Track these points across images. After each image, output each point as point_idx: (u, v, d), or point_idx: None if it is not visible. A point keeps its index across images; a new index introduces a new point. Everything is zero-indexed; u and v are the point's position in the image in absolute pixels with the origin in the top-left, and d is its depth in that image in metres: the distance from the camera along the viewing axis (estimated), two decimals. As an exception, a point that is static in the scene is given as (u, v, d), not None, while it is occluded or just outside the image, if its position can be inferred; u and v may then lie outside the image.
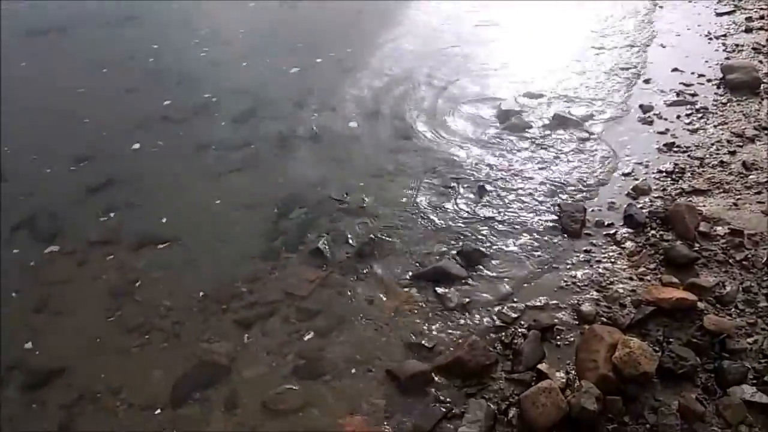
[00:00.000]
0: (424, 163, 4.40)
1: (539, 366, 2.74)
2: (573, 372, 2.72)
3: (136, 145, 5.03)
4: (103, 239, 3.97)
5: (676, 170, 3.96)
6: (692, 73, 5.12)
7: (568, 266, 3.34)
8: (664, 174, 3.95)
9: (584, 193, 3.88)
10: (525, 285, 3.25)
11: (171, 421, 2.77)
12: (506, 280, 3.30)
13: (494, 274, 3.35)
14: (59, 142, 5.21)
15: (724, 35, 5.73)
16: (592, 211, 3.72)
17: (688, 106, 4.67)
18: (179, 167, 4.70)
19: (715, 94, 4.79)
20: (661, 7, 6.55)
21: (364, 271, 3.49)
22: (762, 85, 4.73)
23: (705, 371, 2.63)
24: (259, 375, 2.93)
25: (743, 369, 2.58)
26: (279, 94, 5.64)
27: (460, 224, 3.76)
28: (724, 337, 2.71)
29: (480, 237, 3.62)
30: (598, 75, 5.32)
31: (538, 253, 3.46)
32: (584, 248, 3.45)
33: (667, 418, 2.43)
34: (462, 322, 3.09)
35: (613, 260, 3.34)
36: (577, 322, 2.99)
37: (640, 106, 4.75)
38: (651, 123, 4.54)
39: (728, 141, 4.16)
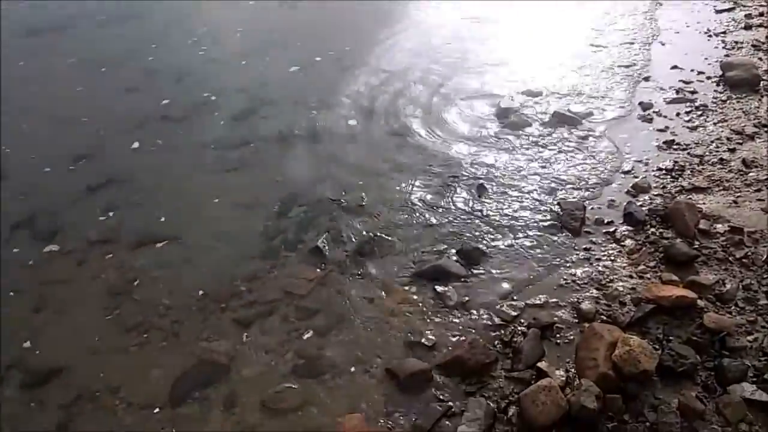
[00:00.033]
0: (423, 162, 4.40)
1: (539, 364, 2.74)
2: (573, 370, 2.71)
3: (136, 144, 5.03)
4: (102, 238, 3.97)
5: (676, 168, 3.95)
6: (692, 71, 5.12)
7: (567, 264, 3.34)
8: (663, 171, 3.95)
9: (584, 191, 3.87)
10: (525, 283, 3.25)
11: (170, 420, 2.76)
12: (506, 278, 3.30)
13: (494, 273, 3.34)
14: (58, 141, 5.21)
15: (724, 32, 5.73)
16: (592, 208, 3.71)
17: (688, 104, 4.67)
18: (178, 166, 4.70)
19: (715, 91, 4.79)
20: (660, 4, 6.54)
21: (364, 270, 3.49)
22: (761, 82, 4.73)
23: (705, 369, 2.62)
24: (258, 374, 2.93)
25: (743, 367, 2.57)
26: (278, 92, 5.64)
27: (459, 222, 3.75)
28: (724, 335, 2.70)
29: (479, 235, 3.62)
30: (598, 73, 5.32)
31: (538, 251, 3.46)
32: (584, 246, 3.44)
33: (666, 416, 2.42)
34: (461, 320, 3.08)
35: (612, 258, 3.34)
36: (576, 320, 2.99)
37: (640, 104, 4.75)
38: (651, 120, 4.54)
39: (728, 138, 4.15)
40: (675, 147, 4.18)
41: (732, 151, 4.02)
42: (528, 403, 2.50)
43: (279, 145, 4.82)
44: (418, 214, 3.87)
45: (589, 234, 3.54)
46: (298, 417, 2.70)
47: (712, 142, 4.16)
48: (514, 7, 6.96)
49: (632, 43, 5.77)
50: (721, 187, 3.71)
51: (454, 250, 3.52)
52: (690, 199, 3.63)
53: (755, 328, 2.78)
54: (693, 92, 4.81)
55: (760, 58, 5.12)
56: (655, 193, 3.77)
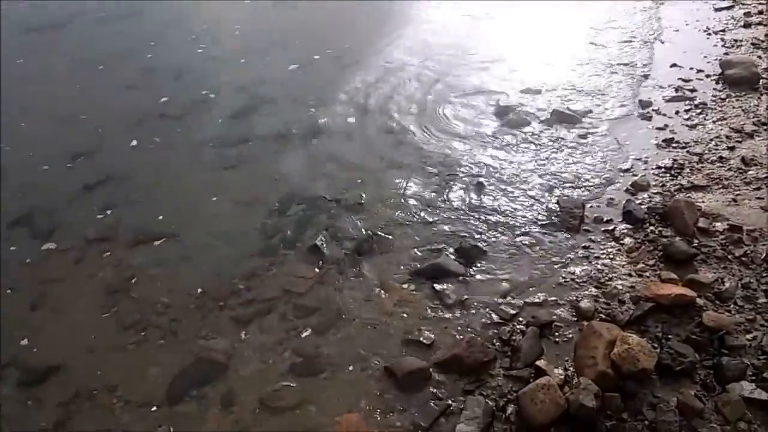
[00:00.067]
0: (422, 160, 4.39)
1: (537, 363, 2.73)
2: (571, 369, 2.71)
3: (134, 142, 5.01)
4: (100, 236, 3.96)
5: (675, 166, 3.95)
6: (691, 69, 5.12)
7: (566, 262, 3.33)
8: (663, 170, 3.95)
9: (583, 190, 3.87)
10: (523, 281, 3.24)
11: (167, 418, 2.75)
12: (504, 276, 3.29)
13: (492, 271, 3.34)
14: (56, 139, 5.19)
15: (723, 30, 5.73)
16: (591, 207, 3.71)
17: (687, 102, 4.66)
18: (176, 164, 4.69)
19: (714, 89, 4.78)
20: (661, 3, 6.53)
21: (362, 268, 3.48)
22: (761, 80, 4.73)
23: (704, 368, 2.61)
24: (257, 372, 2.92)
25: (742, 365, 2.57)
26: (277, 90, 5.63)
27: (458, 221, 3.74)
28: (723, 334, 2.70)
29: (478, 233, 3.61)
30: (597, 71, 5.31)
31: (537, 249, 3.45)
32: (583, 244, 3.44)
33: (665, 415, 2.42)
34: (460, 318, 3.07)
35: (611, 256, 3.33)
36: (575, 319, 2.98)
37: (639, 102, 4.74)
38: (650, 119, 4.53)
39: (727, 137, 4.15)
40: (674, 145, 4.17)
41: (731, 149, 4.02)
42: (526, 402, 2.50)
43: (277, 143, 4.80)
44: (416, 212, 3.86)
45: (588, 232, 3.53)
46: (296, 415, 2.69)
47: (712, 140, 4.15)
48: (513, 6, 6.95)
49: (631, 42, 5.77)
50: (720, 186, 3.71)
51: (452, 249, 3.51)
52: (689, 197, 3.62)
53: (754, 326, 2.77)
54: (692, 90, 4.81)
55: (760, 56, 5.12)
56: (655, 191, 3.77)
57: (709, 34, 5.72)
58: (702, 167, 3.90)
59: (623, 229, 3.50)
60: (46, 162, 4.84)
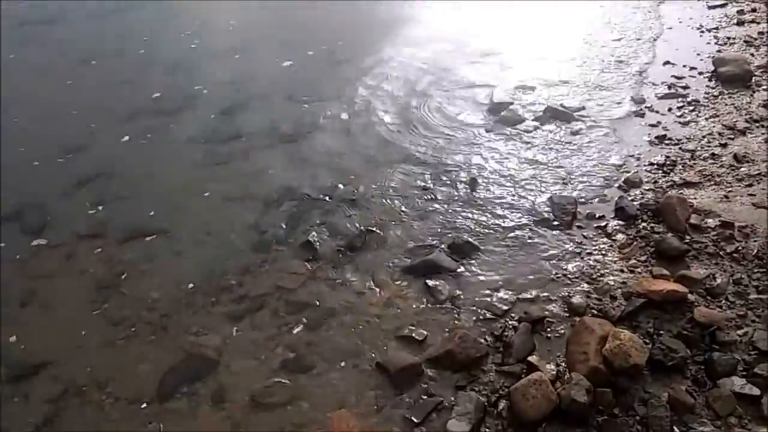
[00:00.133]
0: (416, 155, 4.37)
1: (529, 358, 2.73)
2: (563, 364, 2.71)
3: (126, 138, 4.98)
4: (90, 232, 3.93)
5: (668, 163, 3.95)
6: (684, 66, 5.13)
7: (559, 258, 3.33)
8: (655, 166, 3.95)
9: (575, 186, 3.87)
10: (516, 277, 3.24)
11: (158, 415, 2.73)
12: (497, 272, 3.29)
13: (485, 267, 3.33)
14: (47, 134, 5.15)
15: (716, 28, 5.74)
16: (583, 203, 3.71)
17: (680, 99, 4.67)
18: (169, 160, 4.66)
19: (707, 86, 4.79)
20: (661, 1, 6.53)
21: (355, 264, 3.47)
22: (753, 77, 4.74)
23: (695, 363, 2.62)
24: (248, 368, 2.90)
25: (733, 361, 2.57)
26: (270, 86, 5.61)
27: (451, 217, 3.74)
28: (715, 329, 2.70)
29: (471, 229, 3.61)
30: (591, 68, 5.31)
31: (530, 245, 3.45)
32: (575, 240, 3.44)
33: (657, 410, 2.42)
34: (452, 314, 3.07)
35: (604, 252, 3.33)
36: (567, 315, 2.98)
37: (632, 99, 4.74)
38: (643, 115, 4.54)
39: (720, 133, 4.16)
40: (667, 142, 4.18)
41: (723, 146, 4.03)
42: (518, 397, 2.49)
43: (270, 139, 4.78)
44: (409, 208, 3.85)
45: (580, 228, 3.53)
46: (288, 412, 2.67)
47: (704, 137, 4.16)
48: (511, 5, 6.93)
49: (624, 39, 5.76)
50: (712, 182, 3.71)
51: (445, 245, 3.50)
52: (681, 193, 3.62)
53: (745, 322, 2.78)
54: (685, 87, 4.82)
55: (752, 54, 5.13)
56: (647, 187, 3.77)
57: (703, 31, 5.73)
58: (694, 164, 3.91)
59: (615, 226, 3.50)
60: (36, 157, 4.80)
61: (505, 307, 3.05)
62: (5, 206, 4.24)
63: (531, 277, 3.23)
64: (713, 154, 3.95)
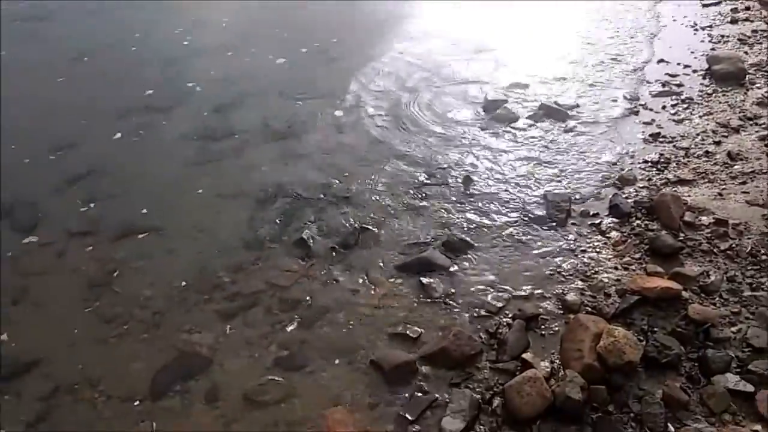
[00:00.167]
0: (410, 152, 4.36)
1: (524, 355, 2.72)
2: (557, 361, 2.71)
3: (118, 135, 4.94)
4: (82, 230, 3.89)
5: (662, 160, 3.96)
6: (678, 64, 5.14)
7: (553, 256, 3.33)
8: (649, 164, 3.96)
9: (570, 183, 3.87)
10: (510, 274, 3.23)
11: (150, 413, 2.71)
12: (491, 269, 3.28)
13: (479, 264, 3.33)
14: (39, 131, 5.10)
15: (710, 26, 5.76)
16: (578, 200, 3.71)
17: (674, 97, 4.68)
18: (161, 157, 4.63)
19: (701, 84, 4.81)
20: (659, 0, 6.54)
21: (349, 262, 3.45)
22: (747, 75, 4.76)
23: (689, 360, 2.62)
24: (241, 366, 2.88)
25: (727, 358, 2.58)
26: (264, 83, 5.58)
27: (445, 214, 3.73)
28: (709, 326, 2.71)
29: (465, 227, 3.60)
30: (585, 66, 5.31)
31: (524, 242, 3.44)
32: (569, 238, 3.44)
33: (651, 407, 2.42)
34: (447, 312, 3.06)
35: (598, 250, 3.33)
36: (561, 312, 2.98)
37: (626, 97, 4.75)
38: (637, 113, 4.55)
39: (713, 131, 4.17)
40: (661, 139, 4.19)
41: (717, 143, 4.03)
42: (513, 394, 2.49)
43: (263, 136, 4.76)
44: (404, 206, 3.84)
45: (574, 226, 3.53)
46: (282, 410, 2.66)
47: (698, 134, 4.17)
48: (507, 3, 6.91)
49: (619, 37, 5.77)
50: (706, 180, 3.72)
51: (439, 242, 3.49)
52: (675, 191, 3.63)
53: (739, 319, 2.78)
54: (679, 85, 4.83)
55: (746, 52, 5.15)
56: (641, 185, 3.78)
57: (697, 29, 5.74)
58: (688, 161, 3.92)
59: (610, 223, 3.50)
60: (27, 154, 4.75)
61: (500, 305, 3.05)
62: (-4, 203, 4.20)
63: (525, 274, 3.23)
64: (707, 152, 3.96)
